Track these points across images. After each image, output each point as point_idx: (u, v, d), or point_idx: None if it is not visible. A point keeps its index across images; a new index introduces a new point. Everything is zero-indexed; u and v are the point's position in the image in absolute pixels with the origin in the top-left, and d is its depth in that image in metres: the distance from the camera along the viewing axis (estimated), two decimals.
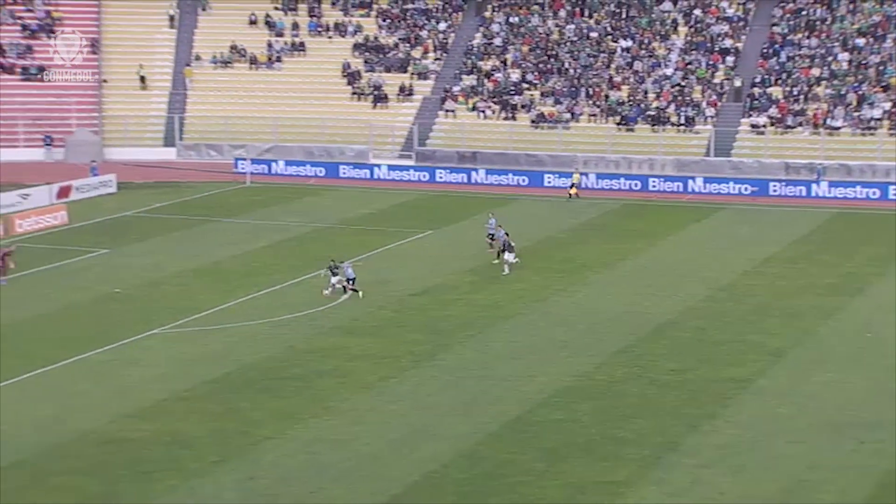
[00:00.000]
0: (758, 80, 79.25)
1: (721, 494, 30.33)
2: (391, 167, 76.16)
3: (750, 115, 77.41)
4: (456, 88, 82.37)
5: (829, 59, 79.23)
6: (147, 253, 55.89)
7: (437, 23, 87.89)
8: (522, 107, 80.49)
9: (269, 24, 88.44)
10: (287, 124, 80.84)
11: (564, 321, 44.91)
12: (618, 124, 78.41)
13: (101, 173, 72.08)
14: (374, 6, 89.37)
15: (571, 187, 69.65)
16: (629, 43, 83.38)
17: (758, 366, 39.87)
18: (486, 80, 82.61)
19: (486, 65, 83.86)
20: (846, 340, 42.73)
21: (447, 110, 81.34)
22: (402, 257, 55.15)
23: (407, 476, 31.23)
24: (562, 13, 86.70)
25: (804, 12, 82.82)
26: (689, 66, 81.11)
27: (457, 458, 32.34)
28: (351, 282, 47.64)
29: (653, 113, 78.29)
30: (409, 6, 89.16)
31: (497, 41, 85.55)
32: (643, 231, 60.91)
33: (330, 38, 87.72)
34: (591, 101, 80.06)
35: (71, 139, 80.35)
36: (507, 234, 52.60)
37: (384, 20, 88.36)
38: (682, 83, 79.88)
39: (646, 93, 79.92)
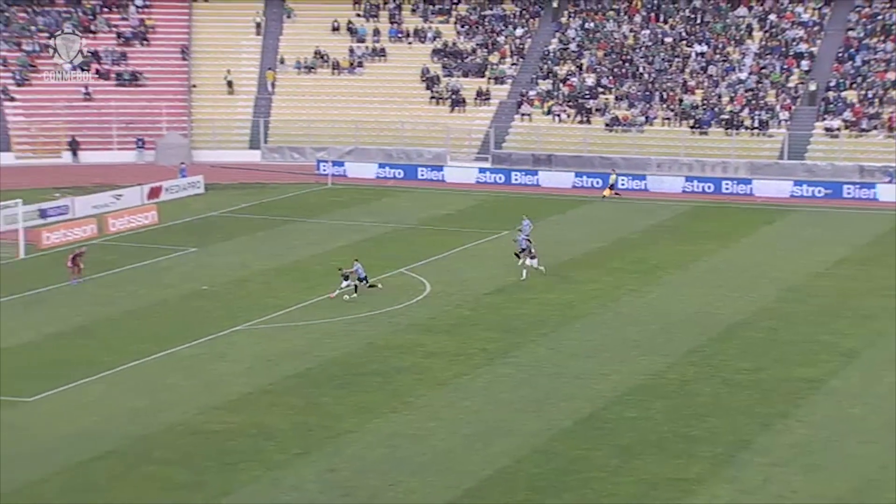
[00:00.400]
0: (832, 83, 79.17)
1: (793, 493, 30.36)
2: (467, 169, 77.27)
3: (824, 119, 77.42)
4: (532, 93, 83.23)
5: None
6: (232, 251, 56.86)
7: (514, 28, 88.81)
8: (597, 110, 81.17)
9: (352, 31, 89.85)
10: (367, 127, 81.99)
11: (637, 321, 45.27)
12: (691, 128, 78.84)
13: (189, 175, 73.57)
14: (453, 13, 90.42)
15: (609, 188, 70.47)
16: (704, 48, 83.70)
17: (830, 366, 39.91)
18: (561, 85, 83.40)
19: (562, 69, 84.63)
20: None
21: (523, 114, 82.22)
22: (478, 257, 55.70)
23: (480, 471, 31.46)
24: (637, 18, 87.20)
25: (880, 17, 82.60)
26: (763, 71, 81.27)
27: (530, 453, 32.57)
28: (364, 280, 47.98)
29: (726, 117, 78.62)
30: (487, 13, 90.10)
31: (573, 46, 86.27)
32: (715, 233, 61.16)
33: (410, 43, 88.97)
34: (664, 105, 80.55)
35: (161, 142, 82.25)
36: (530, 241, 52.64)
37: (462, 26, 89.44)
38: (756, 87, 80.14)
39: (719, 97, 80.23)
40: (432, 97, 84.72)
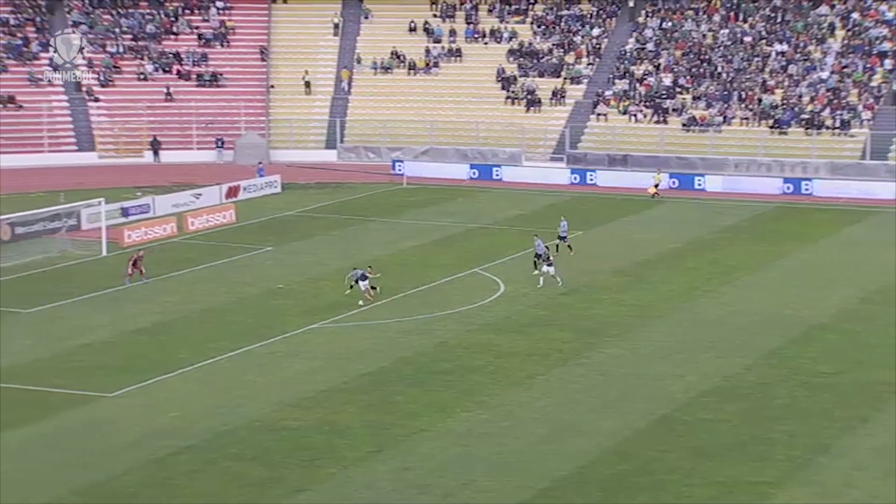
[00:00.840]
0: None
1: (874, 498, 29.96)
2: (542, 169, 77.14)
3: None
4: (608, 93, 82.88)
5: None
6: (308, 250, 57.30)
7: (591, 28, 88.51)
8: (674, 110, 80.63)
9: (428, 31, 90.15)
10: (442, 127, 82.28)
11: (712, 322, 44.99)
12: (771, 127, 78.02)
13: (266, 174, 74.42)
14: (530, 13, 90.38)
15: (655, 186, 69.92)
16: (784, 47, 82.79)
17: None
18: (638, 85, 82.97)
19: (639, 69, 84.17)
20: None
21: (599, 114, 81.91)
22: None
23: (554, 471, 31.40)
24: (716, 18, 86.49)
25: None
26: (845, 70, 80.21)
27: (603, 454, 32.48)
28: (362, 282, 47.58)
29: (807, 116, 77.69)
30: (564, 13, 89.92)
31: (650, 46, 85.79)
32: (795, 233, 60.58)
33: (486, 44, 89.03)
34: (743, 105, 79.78)
35: (240, 142, 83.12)
36: (548, 248, 52.26)
37: (539, 26, 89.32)
38: (838, 86, 79.09)
39: (800, 96, 79.32)
40: (508, 97, 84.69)
